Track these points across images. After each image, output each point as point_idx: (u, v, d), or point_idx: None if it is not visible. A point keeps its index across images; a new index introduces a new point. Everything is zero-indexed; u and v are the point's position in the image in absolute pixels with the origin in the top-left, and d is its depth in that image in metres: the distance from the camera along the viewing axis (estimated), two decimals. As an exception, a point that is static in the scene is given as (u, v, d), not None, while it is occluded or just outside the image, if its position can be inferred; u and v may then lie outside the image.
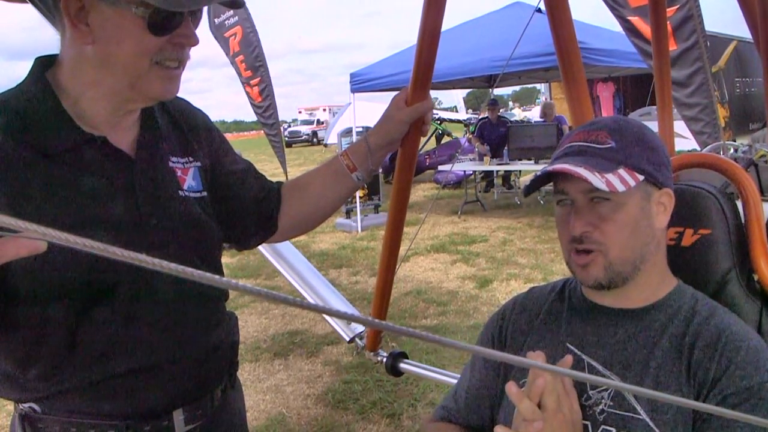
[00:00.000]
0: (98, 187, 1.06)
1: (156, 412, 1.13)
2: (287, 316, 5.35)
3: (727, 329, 1.04)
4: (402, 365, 2.16)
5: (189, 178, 1.20)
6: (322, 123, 35.04)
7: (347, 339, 2.24)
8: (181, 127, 1.24)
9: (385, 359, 2.18)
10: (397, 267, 1.92)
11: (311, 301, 2.29)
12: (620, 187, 1.01)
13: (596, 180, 1.01)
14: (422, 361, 4.27)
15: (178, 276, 0.37)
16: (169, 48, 1.04)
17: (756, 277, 1.23)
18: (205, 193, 1.23)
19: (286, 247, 2.44)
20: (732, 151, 4.89)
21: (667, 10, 4.81)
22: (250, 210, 1.37)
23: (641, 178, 1.05)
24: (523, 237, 8.01)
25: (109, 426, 1.09)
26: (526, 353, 1.13)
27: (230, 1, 1.09)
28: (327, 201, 1.46)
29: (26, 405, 1.10)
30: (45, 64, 1.09)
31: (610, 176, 1.02)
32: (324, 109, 38.03)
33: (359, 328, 2.22)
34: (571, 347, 1.14)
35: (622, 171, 1.04)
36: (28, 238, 0.59)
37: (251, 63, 8.85)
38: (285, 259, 2.45)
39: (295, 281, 2.38)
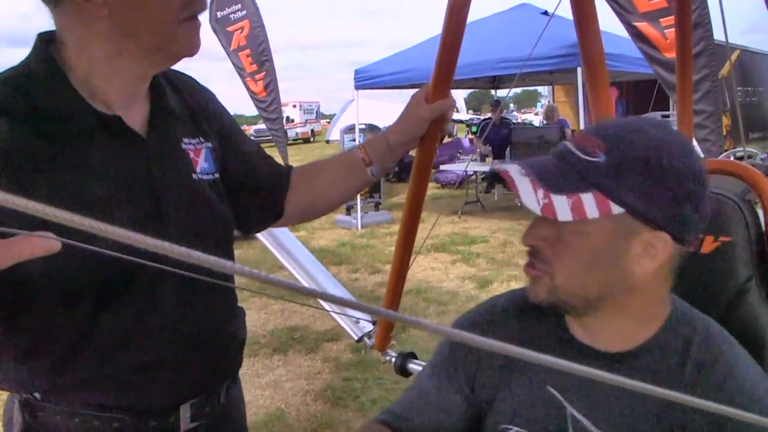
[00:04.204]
0: (112, 175, 1.01)
1: (163, 407, 1.10)
2: (286, 312, 5.34)
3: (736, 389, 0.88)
4: (411, 365, 2.15)
5: (201, 160, 1.15)
6: (292, 120, 32.28)
7: (356, 338, 2.23)
8: (190, 106, 1.19)
9: (394, 359, 2.17)
10: (411, 262, 1.91)
11: (321, 301, 2.27)
12: (563, 215, 0.85)
13: (530, 198, 0.86)
14: (425, 360, 4.27)
15: (201, 265, 0.35)
16: None
17: None
18: (217, 175, 1.19)
19: (291, 241, 2.42)
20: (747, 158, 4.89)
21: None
22: (257, 193, 1.33)
23: (618, 210, 0.85)
24: (524, 239, 7.96)
25: (114, 419, 1.06)
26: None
27: None
28: (337, 192, 1.42)
29: (26, 394, 1.06)
30: (48, 41, 1.02)
31: (560, 198, 0.85)
32: (294, 105, 34.58)
33: (368, 326, 2.20)
34: (553, 391, 0.99)
35: (587, 196, 0.85)
36: (42, 237, 0.55)
37: (257, 57, 8.81)
38: (290, 253, 2.44)
39: (302, 277, 2.36)
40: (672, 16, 4.93)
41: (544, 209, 0.85)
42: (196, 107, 1.20)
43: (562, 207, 0.85)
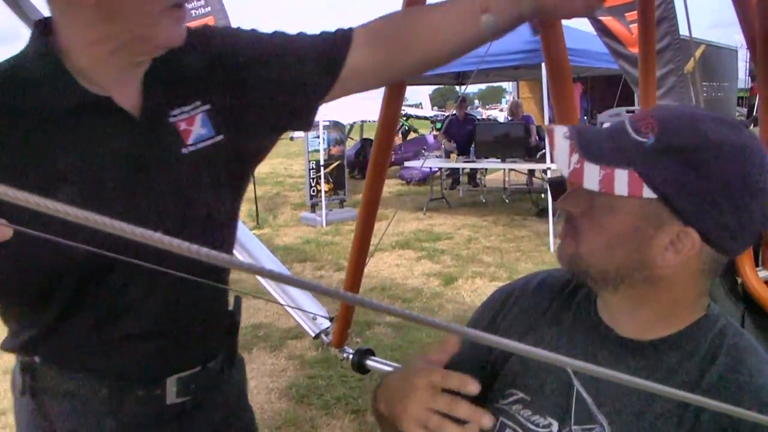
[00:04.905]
0: (100, 153, 1.03)
1: (149, 377, 1.14)
2: (251, 309, 5.27)
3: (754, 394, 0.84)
4: (369, 362, 2.13)
5: (197, 127, 1.11)
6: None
7: (313, 335, 2.20)
8: (190, 64, 1.13)
9: (351, 356, 2.14)
10: (368, 259, 1.88)
11: (278, 297, 2.24)
12: (589, 183, 0.84)
13: (563, 160, 0.85)
14: (387, 358, 4.26)
15: (181, 254, 0.33)
16: None
17: (739, 281, 1.22)
18: (219, 137, 1.13)
19: (250, 240, 2.38)
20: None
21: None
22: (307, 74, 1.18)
23: (650, 195, 0.82)
24: (488, 235, 8.03)
25: (103, 385, 1.11)
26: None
27: None
28: (430, 44, 1.19)
29: (27, 357, 1.12)
30: (43, 27, 1.04)
31: (592, 167, 0.84)
32: None
33: (325, 323, 2.18)
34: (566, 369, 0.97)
35: (622, 172, 0.83)
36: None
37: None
38: (249, 252, 2.40)
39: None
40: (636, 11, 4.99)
41: (572, 174, 0.84)
42: (201, 63, 1.14)
43: (592, 176, 0.83)
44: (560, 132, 0.88)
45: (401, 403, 0.93)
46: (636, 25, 4.97)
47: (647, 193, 0.82)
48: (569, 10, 1.12)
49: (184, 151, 1.10)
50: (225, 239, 1.21)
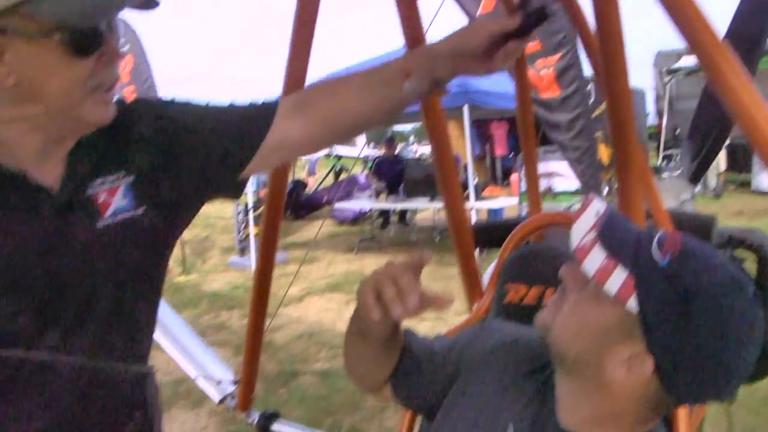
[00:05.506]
0: (12, 232, 0.99)
1: None
2: (172, 364, 5.10)
3: None
4: (274, 426, 2.08)
5: (118, 198, 1.09)
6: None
7: (216, 401, 2.14)
8: (121, 135, 1.11)
9: (256, 420, 2.09)
10: (266, 325, 1.85)
11: (182, 359, 2.17)
12: (588, 266, 0.84)
13: (579, 233, 0.86)
14: (314, 409, 4.18)
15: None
16: (99, 69, 0.97)
17: None
18: (139, 211, 1.10)
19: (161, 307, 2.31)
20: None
21: (551, 57, 5.03)
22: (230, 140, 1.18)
23: (632, 307, 0.83)
24: (418, 275, 8.00)
25: None
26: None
27: (143, 2, 1.00)
28: (356, 111, 1.20)
29: None
30: None
31: (600, 253, 0.84)
32: None
33: (230, 387, 2.12)
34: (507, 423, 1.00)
35: (621, 272, 0.83)
36: None
37: (144, 95, 8.58)
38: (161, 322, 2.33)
39: (165, 339, 2.26)
40: (546, 58, 5.14)
41: (579, 248, 0.85)
42: (131, 136, 1.12)
43: (595, 260, 0.84)
44: (595, 208, 0.89)
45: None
46: (545, 71, 5.12)
47: (632, 303, 0.83)
48: (476, 72, 1.16)
49: (100, 224, 1.07)
50: (144, 313, 1.19)
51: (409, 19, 1.59)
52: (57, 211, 1.03)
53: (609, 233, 0.87)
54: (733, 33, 3.88)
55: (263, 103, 1.23)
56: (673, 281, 0.82)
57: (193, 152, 1.14)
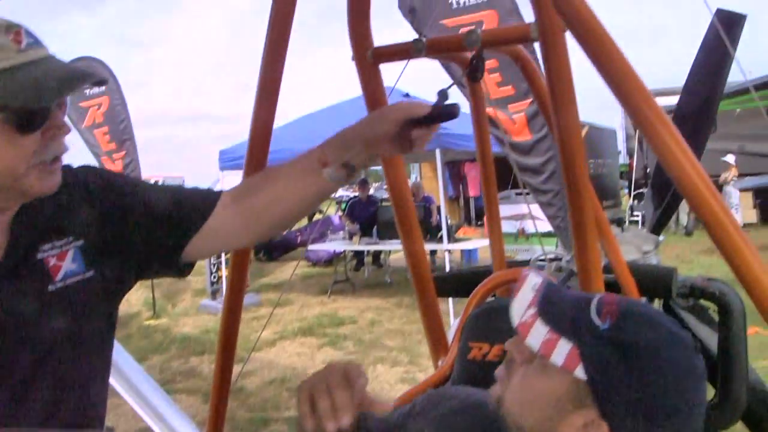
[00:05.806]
0: None
1: None
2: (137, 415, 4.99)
3: None
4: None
5: (67, 262, 1.09)
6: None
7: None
8: (68, 201, 1.12)
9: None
10: (236, 371, 1.81)
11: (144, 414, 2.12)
12: (532, 342, 0.85)
13: (518, 310, 0.87)
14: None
15: None
16: (45, 144, 0.97)
17: None
18: (89, 273, 1.12)
19: (122, 357, 2.27)
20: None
21: (523, 102, 5.09)
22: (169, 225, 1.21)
23: (581, 375, 0.84)
24: (392, 317, 7.99)
25: None
26: None
27: (94, 82, 1.02)
28: (284, 204, 1.25)
29: None
30: None
31: (542, 327, 0.86)
32: (156, 181, 30.80)
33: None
34: None
35: (565, 343, 0.85)
36: None
37: (118, 136, 8.45)
38: (122, 373, 2.29)
39: (127, 393, 2.21)
40: (519, 103, 5.21)
41: (521, 325, 0.87)
42: (74, 202, 1.13)
43: (538, 335, 0.86)
44: (531, 282, 0.91)
45: None
46: (518, 115, 5.17)
47: (579, 372, 0.84)
48: (390, 154, 1.27)
49: (51, 288, 1.07)
50: (97, 368, 1.18)
51: (370, 84, 1.62)
52: (5, 276, 1.02)
53: (548, 308, 0.88)
54: (689, 89, 3.98)
55: (207, 191, 1.28)
56: (615, 344, 0.83)
57: (135, 231, 1.18)
